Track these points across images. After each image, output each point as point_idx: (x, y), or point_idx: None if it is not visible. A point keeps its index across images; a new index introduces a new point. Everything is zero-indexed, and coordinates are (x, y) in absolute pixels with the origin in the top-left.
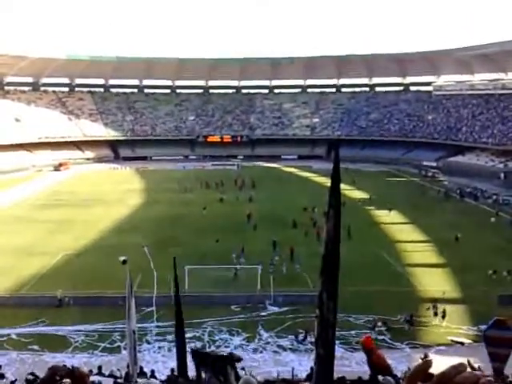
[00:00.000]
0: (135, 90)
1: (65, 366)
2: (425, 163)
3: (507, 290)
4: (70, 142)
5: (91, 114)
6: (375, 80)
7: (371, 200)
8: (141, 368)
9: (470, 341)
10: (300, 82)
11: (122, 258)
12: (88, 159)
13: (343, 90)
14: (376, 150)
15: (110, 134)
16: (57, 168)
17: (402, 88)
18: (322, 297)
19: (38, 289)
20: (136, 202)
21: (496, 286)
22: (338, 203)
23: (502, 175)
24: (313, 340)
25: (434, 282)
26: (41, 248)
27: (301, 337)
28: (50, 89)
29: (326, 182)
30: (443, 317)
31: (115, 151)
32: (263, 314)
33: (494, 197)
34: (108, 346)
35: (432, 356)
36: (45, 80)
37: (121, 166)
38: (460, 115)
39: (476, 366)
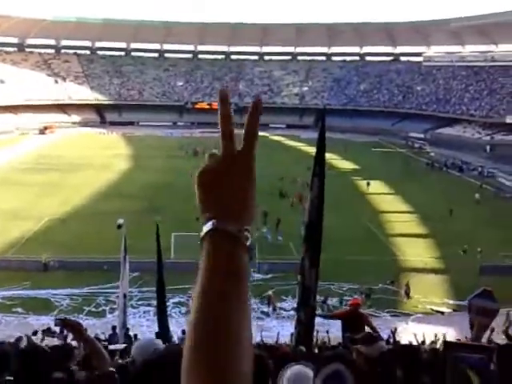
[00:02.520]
0: (122, 54)
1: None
2: (412, 134)
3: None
4: (56, 105)
5: (77, 77)
6: (365, 49)
7: (356, 171)
8: (127, 330)
9: (450, 310)
10: (290, 49)
11: (119, 221)
12: (74, 123)
13: (333, 58)
14: (365, 120)
15: (96, 97)
16: (42, 131)
17: (392, 58)
18: (304, 264)
19: (23, 252)
20: (123, 168)
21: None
22: (322, 172)
23: (488, 148)
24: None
25: (417, 252)
26: (26, 212)
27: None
28: (36, 50)
29: (313, 151)
30: (408, 294)
31: (101, 115)
32: None
33: (480, 169)
34: (93, 309)
35: (410, 324)
36: (30, 41)
37: (107, 130)
38: (450, 87)
39: (454, 334)
